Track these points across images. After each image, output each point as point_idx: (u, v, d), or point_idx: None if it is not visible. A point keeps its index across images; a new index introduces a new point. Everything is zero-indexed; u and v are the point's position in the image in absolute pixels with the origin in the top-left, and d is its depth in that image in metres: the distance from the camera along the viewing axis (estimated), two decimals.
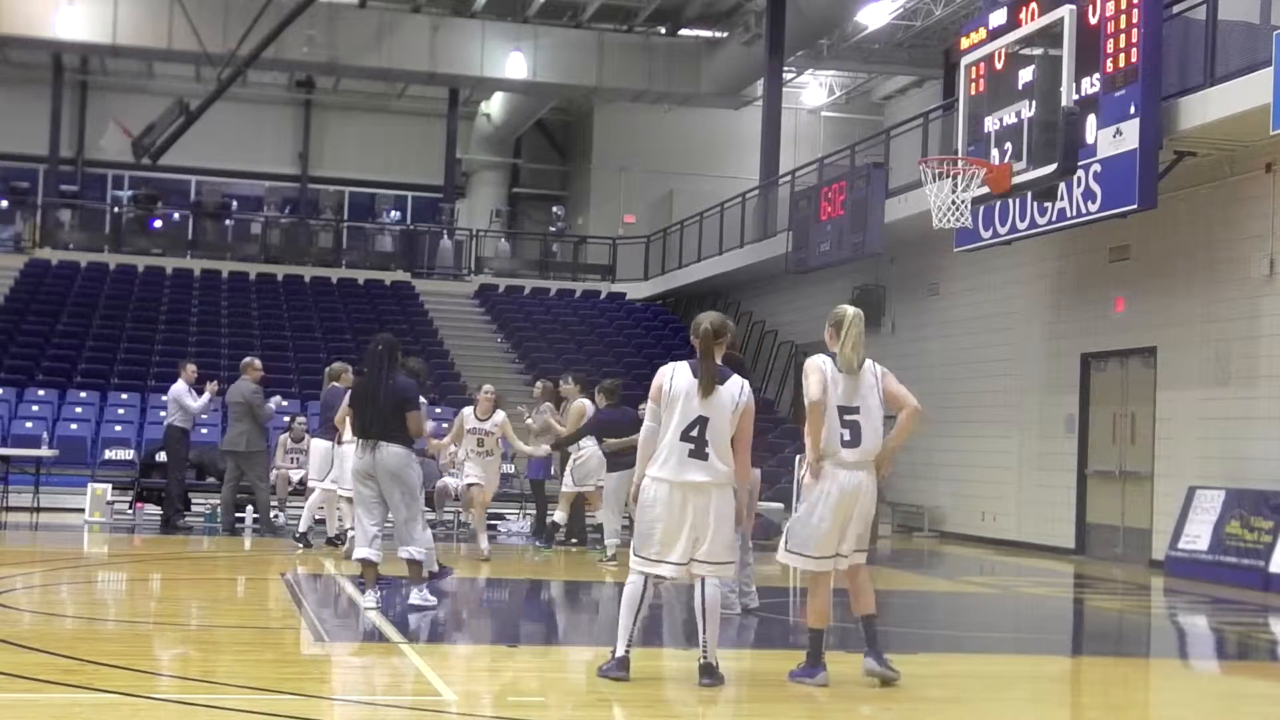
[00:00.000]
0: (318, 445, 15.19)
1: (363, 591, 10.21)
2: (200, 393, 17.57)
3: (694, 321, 7.64)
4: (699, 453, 7.34)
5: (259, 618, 10.59)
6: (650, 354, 26.19)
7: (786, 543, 7.73)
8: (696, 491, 7.33)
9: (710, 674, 7.35)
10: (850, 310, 7.79)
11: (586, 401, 15.43)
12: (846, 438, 7.57)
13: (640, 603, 7.39)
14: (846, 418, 7.59)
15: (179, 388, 17.40)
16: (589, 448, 15.08)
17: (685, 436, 7.36)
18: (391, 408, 10.00)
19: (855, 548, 7.70)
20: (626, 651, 7.39)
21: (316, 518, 15.45)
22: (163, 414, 22.36)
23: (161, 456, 19.17)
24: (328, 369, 15.56)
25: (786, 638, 10.28)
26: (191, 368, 17.83)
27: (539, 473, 17.99)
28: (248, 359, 17.33)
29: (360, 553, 10.11)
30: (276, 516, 17.45)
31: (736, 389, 7.46)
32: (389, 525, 10.31)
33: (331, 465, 14.38)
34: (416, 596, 10.16)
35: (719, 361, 7.54)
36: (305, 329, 27.28)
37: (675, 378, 7.47)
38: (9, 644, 8.01)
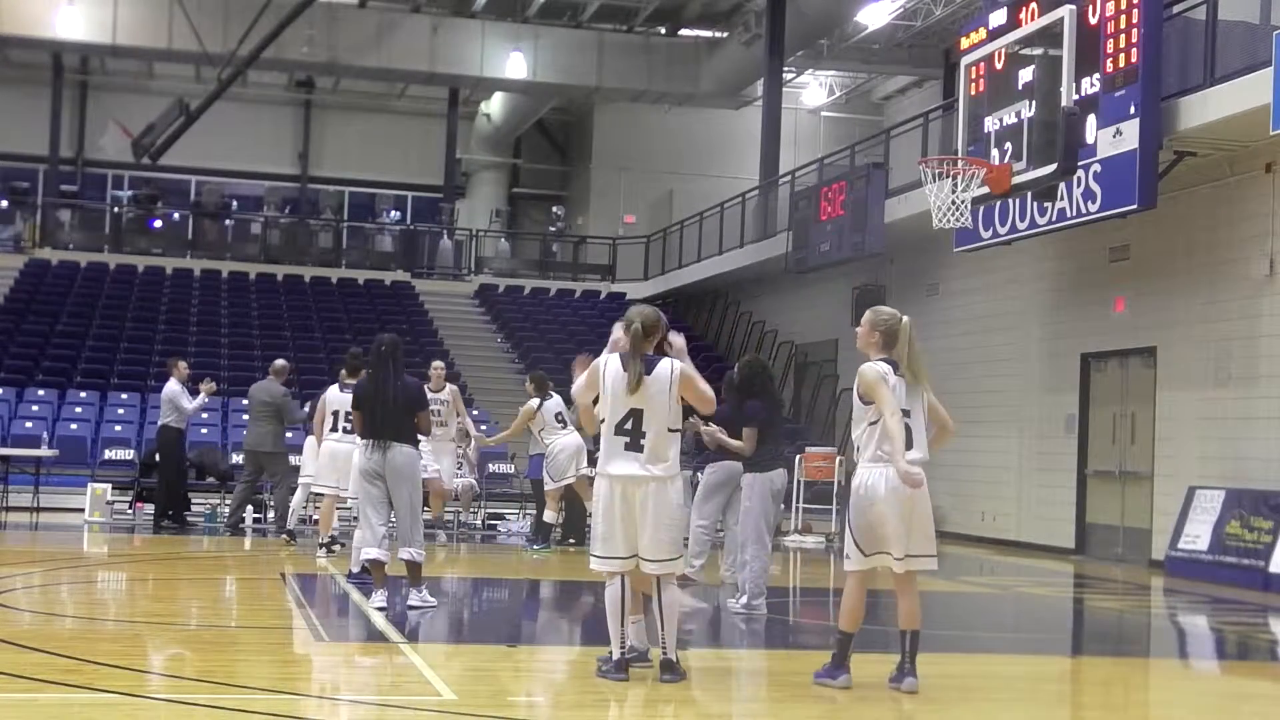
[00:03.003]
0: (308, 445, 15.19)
1: (369, 594, 10.23)
2: (195, 392, 17.52)
3: (625, 318, 7.58)
4: (634, 445, 7.36)
5: (259, 618, 10.60)
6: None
7: (858, 545, 7.54)
8: (633, 484, 7.35)
9: (670, 669, 7.37)
10: (904, 320, 7.63)
11: (535, 401, 15.48)
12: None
13: (622, 604, 7.40)
14: (904, 421, 7.51)
15: (173, 387, 17.32)
16: (559, 442, 15.26)
17: (620, 430, 7.39)
18: (402, 408, 10.07)
19: (918, 551, 7.54)
20: (622, 652, 7.41)
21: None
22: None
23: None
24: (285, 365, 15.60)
25: (787, 638, 10.28)
26: (183, 365, 17.74)
27: (539, 472, 17.95)
28: (280, 362, 17.18)
29: (370, 553, 10.12)
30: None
31: (666, 371, 7.45)
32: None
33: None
34: (415, 597, 10.18)
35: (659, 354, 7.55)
36: (305, 329, 27.29)
37: (609, 370, 7.49)
38: (9, 644, 8.00)
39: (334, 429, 13.75)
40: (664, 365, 7.50)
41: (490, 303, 31.06)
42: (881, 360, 7.54)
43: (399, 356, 10.28)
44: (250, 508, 17.61)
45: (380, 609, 9.86)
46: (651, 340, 7.54)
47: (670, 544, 7.41)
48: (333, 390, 13.82)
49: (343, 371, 13.98)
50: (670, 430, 7.43)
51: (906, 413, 7.51)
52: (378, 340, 10.42)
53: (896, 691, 7.60)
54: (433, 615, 10.08)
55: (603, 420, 7.50)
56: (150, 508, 18.63)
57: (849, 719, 7.19)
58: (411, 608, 10.09)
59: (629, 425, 7.38)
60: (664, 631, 7.39)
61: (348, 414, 13.61)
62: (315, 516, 15.85)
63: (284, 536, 15.55)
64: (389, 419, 10.05)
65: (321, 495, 14.38)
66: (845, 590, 7.69)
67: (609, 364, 7.51)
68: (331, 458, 13.77)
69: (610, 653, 7.45)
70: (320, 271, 31.25)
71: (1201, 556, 15.16)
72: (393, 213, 36.20)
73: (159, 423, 17.65)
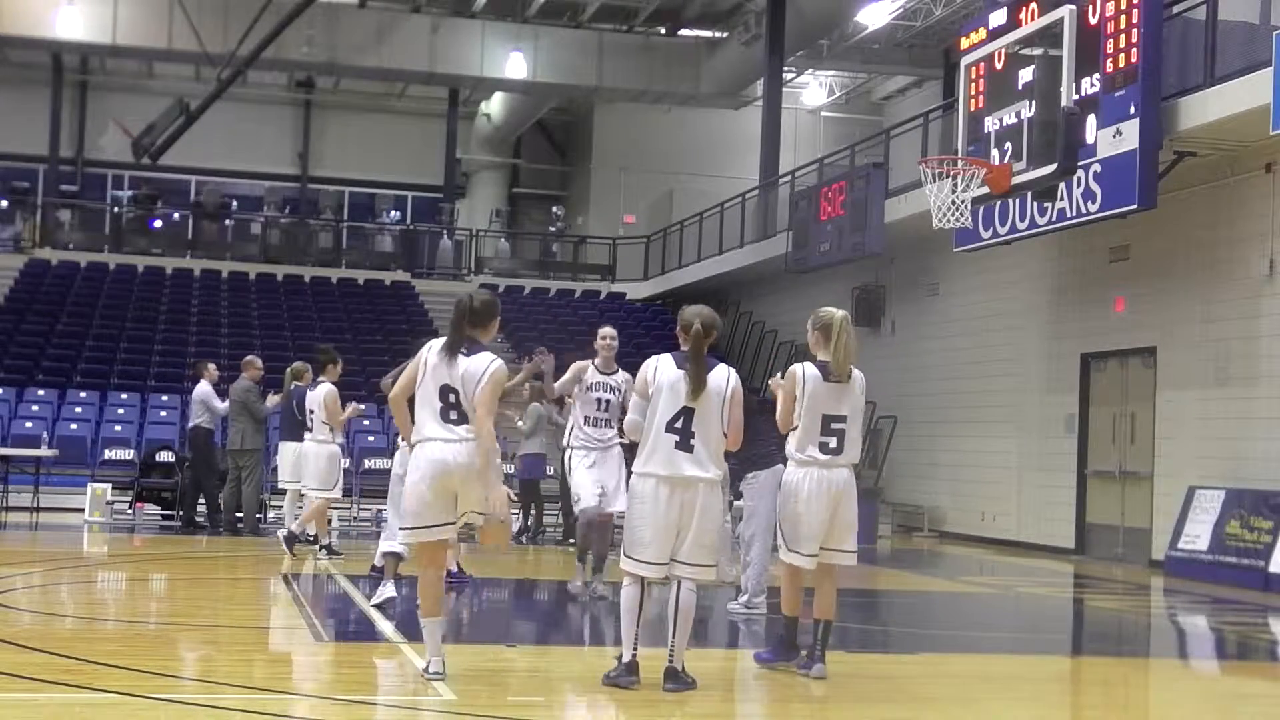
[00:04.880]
0: (286, 447, 15.25)
1: (375, 586, 10.29)
2: (224, 394, 17.57)
3: (682, 317, 7.45)
4: (684, 445, 7.20)
5: (259, 618, 10.60)
6: (650, 354, 26.11)
7: (785, 542, 7.76)
8: (684, 486, 7.18)
9: (674, 679, 7.21)
10: (838, 314, 7.78)
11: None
12: (832, 445, 7.67)
13: (640, 605, 7.27)
14: (834, 425, 7.66)
15: (205, 389, 17.32)
16: None
17: (670, 428, 7.23)
18: None
19: (836, 546, 7.76)
20: (633, 656, 7.27)
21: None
22: (161, 414, 22.48)
23: (163, 455, 19.22)
24: (289, 370, 15.61)
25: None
26: (213, 367, 17.81)
27: (533, 473, 17.96)
28: (248, 357, 17.33)
29: (390, 546, 10.18)
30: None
31: (723, 377, 7.34)
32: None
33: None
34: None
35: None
36: (305, 329, 27.27)
37: (660, 370, 7.35)
38: (9, 644, 8.00)
39: (308, 429, 14.10)
40: (720, 371, 7.36)
41: None
42: (814, 363, 7.73)
43: None
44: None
45: (380, 604, 9.88)
46: (711, 341, 7.38)
47: (709, 550, 7.29)
48: (308, 391, 14.14)
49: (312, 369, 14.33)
50: (721, 435, 7.30)
51: (839, 418, 7.67)
52: (418, 345, 10.52)
53: (806, 678, 7.71)
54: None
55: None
56: (151, 507, 18.72)
57: (846, 718, 7.19)
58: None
59: (679, 424, 7.22)
60: (674, 639, 7.24)
61: (311, 412, 14.00)
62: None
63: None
64: None
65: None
66: (783, 582, 7.94)
67: (661, 364, 7.37)
68: (300, 457, 14.22)
69: (620, 655, 7.33)
70: (320, 271, 31.25)
71: (1201, 556, 15.16)
72: (393, 213, 36.20)
73: (190, 423, 17.68)
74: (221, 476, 17.96)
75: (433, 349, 7.37)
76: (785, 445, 7.83)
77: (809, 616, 8.04)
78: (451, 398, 7.21)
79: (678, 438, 7.21)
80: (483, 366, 7.21)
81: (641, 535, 7.22)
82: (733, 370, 7.46)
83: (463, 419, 7.20)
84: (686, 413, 7.23)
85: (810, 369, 7.69)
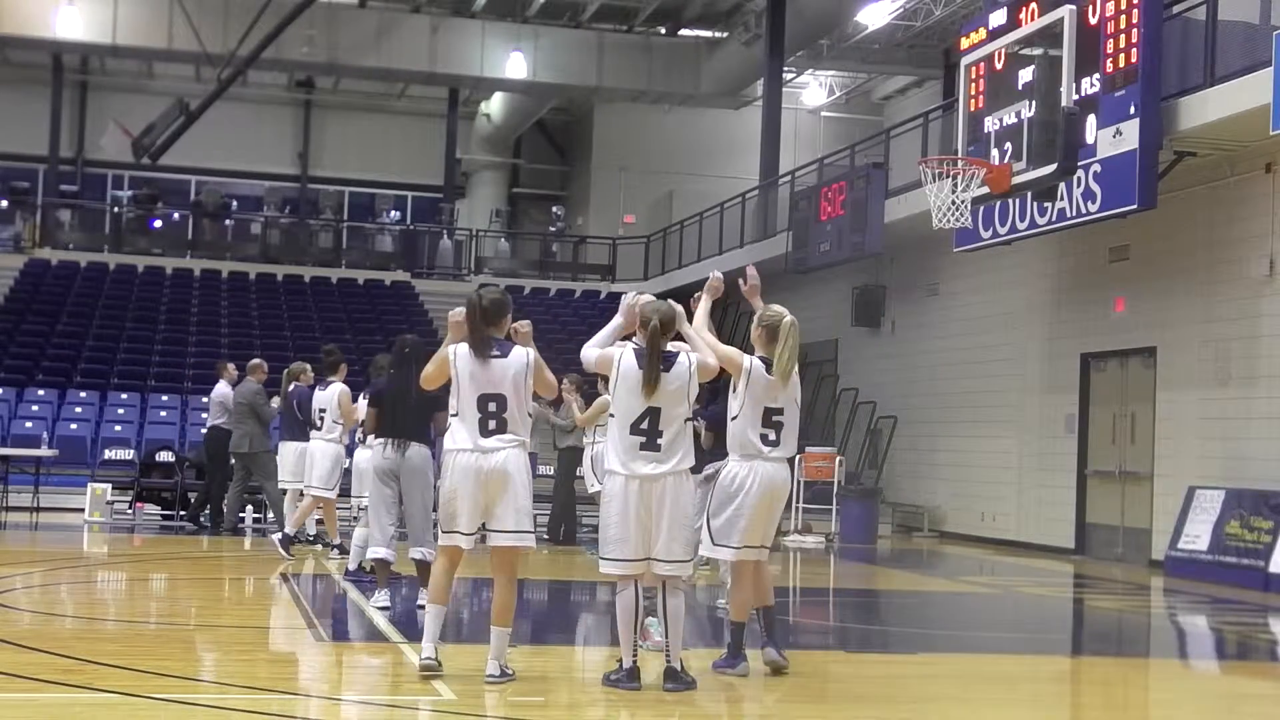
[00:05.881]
0: (287, 447, 15.26)
1: (369, 592, 10.26)
2: None
3: (642, 313, 7.39)
4: (650, 444, 7.19)
5: (259, 618, 10.60)
6: None
7: (711, 537, 7.75)
8: (650, 481, 7.17)
9: (674, 678, 7.24)
10: (787, 317, 7.85)
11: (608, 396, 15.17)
12: (771, 438, 7.70)
13: (636, 609, 7.28)
14: (774, 418, 7.70)
15: (223, 389, 17.27)
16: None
17: (635, 430, 7.20)
18: (424, 408, 10.12)
19: (765, 544, 7.83)
20: (634, 662, 7.26)
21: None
22: (161, 414, 22.47)
23: (163, 455, 19.21)
24: (287, 370, 15.62)
25: (786, 638, 10.27)
26: (231, 367, 17.77)
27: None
28: (255, 360, 17.25)
29: (377, 552, 10.21)
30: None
31: (685, 365, 7.31)
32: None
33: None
34: (424, 597, 10.22)
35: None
36: (305, 329, 27.28)
37: (624, 364, 7.30)
38: (9, 644, 8.01)
39: (315, 427, 14.22)
40: (683, 359, 7.33)
41: None
42: (759, 358, 7.77)
43: (421, 357, 10.34)
44: (250, 508, 17.67)
45: (382, 608, 9.88)
46: (669, 337, 7.35)
47: (685, 544, 7.29)
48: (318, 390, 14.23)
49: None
50: (685, 421, 7.30)
51: (778, 410, 7.72)
52: (400, 341, 10.53)
53: (766, 665, 7.78)
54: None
55: (612, 415, 7.39)
56: (151, 507, 18.71)
57: (846, 718, 7.19)
58: (420, 608, 10.11)
59: (645, 425, 7.19)
60: (668, 639, 7.27)
61: (321, 412, 13.98)
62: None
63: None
64: (409, 419, 10.13)
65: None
66: (732, 584, 7.92)
67: (624, 356, 7.31)
68: (301, 456, 14.43)
69: (620, 661, 7.32)
70: (320, 271, 31.26)
71: (1201, 556, 15.16)
72: (393, 213, 36.20)
73: (208, 424, 17.61)
74: (226, 478, 17.99)
75: (459, 352, 7.38)
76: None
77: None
78: (492, 406, 7.26)
79: (643, 439, 7.20)
80: (523, 361, 7.36)
81: (614, 534, 7.22)
82: (693, 353, 7.44)
83: (501, 428, 7.27)
84: (651, 413, 7.22)
85: (756, 361, 7.74)
